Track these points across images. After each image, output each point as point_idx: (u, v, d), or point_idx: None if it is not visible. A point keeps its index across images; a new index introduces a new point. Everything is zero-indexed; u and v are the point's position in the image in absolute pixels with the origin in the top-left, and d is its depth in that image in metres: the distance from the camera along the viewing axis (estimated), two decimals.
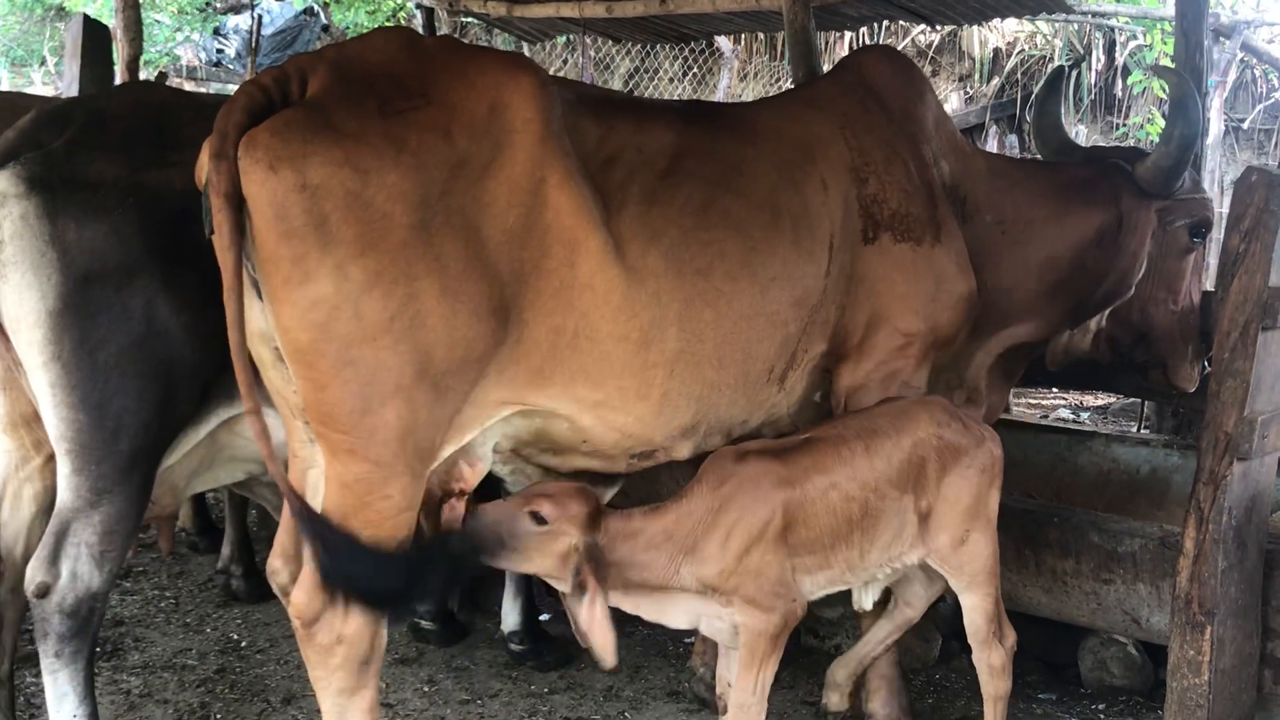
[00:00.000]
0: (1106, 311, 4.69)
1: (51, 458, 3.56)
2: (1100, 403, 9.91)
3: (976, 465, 3.65)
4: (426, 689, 4.72)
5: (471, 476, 3.42)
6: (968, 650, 3.88)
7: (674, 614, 3.56)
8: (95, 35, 6.92)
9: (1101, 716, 4.65)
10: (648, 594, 3.48)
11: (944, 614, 5.00)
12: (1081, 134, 12.89)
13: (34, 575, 3.37)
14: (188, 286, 3.02)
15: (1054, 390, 10.06)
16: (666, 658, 5.04)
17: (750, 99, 13.76)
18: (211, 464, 3.87)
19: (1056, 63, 13.28)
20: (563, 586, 3.39)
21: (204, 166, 2.98)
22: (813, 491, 3.48)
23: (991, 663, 3.76)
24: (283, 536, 3.44)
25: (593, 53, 14.56)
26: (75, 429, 3.31)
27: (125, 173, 3.36)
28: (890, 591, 4.00)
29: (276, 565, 3.45)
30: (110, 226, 3.30)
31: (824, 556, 3.53)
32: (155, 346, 3.35)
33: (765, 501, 3.43)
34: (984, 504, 3.66)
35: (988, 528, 3.67)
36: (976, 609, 3.73)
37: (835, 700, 4.17)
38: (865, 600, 3.79)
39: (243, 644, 5.08)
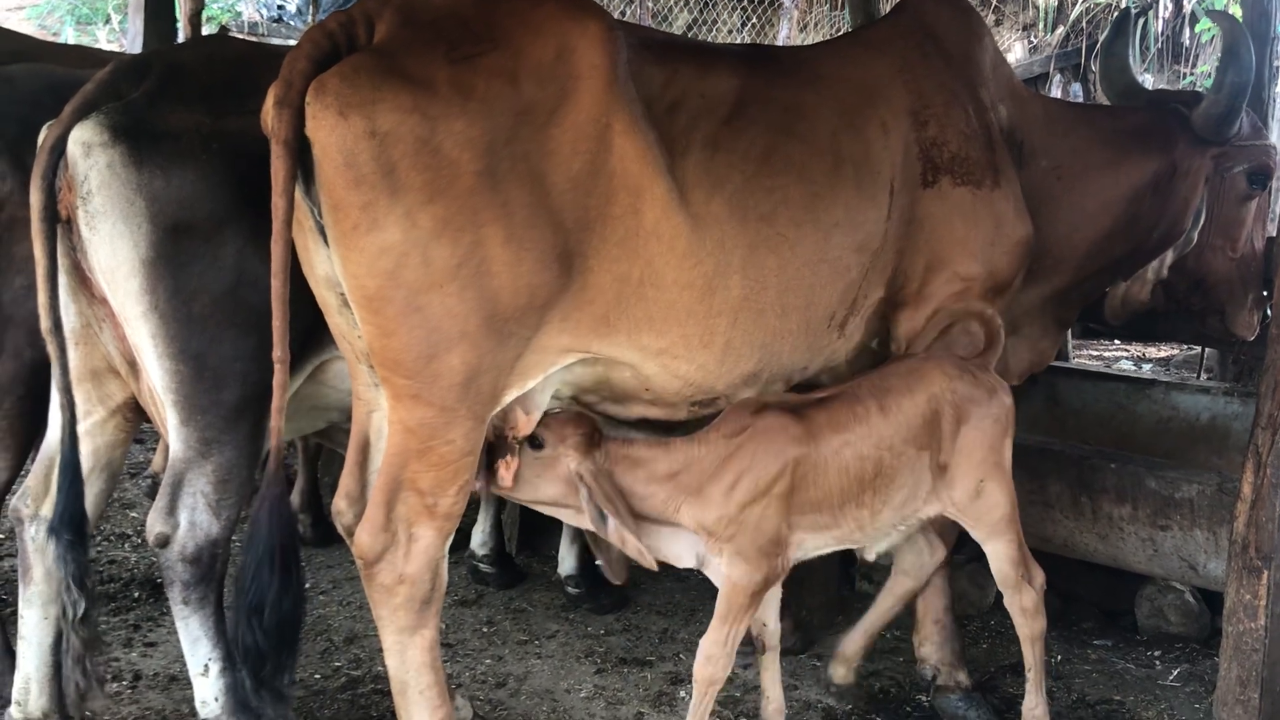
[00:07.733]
0: (1167, 261, 4.65)
1: (113, 414, 3.62)
2: (1163, 354, 9.82)
3: (990, 416, 3.66)
4: (485, 630, 4.81)
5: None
6: None
7: (674, 550, 3.57)
8: None
9: (1158, 663, 4.66)
10: (648, 526, 3.50)
11: None
12: (1148, 83, 12.63)
13: (153, 526, 3.40)
14: None
15: (1116, 342, 9.98)
16: None
17: None
18: (294, 414, 3.78)
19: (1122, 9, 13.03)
20: (583, 520, 3.44)
21: (269, 113, 3.00)
22: (826, 450, 3.49)
23: (1023, 604, 3.78)
24: (347, 479, 3.48)
25: (650, 4, 14.46)
26: (178, 380, 3.32)
27: (207, 121, 3.34)
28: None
29: (341, 506, 3.48)
30: (196, 174, 3.29)
31: (833, 515, 3.54)
32: (249, 295, 3.32)
33: (777, 457, 3.44)
34: (998, 454, 3.68)
35: (1003, 477, 3.69)
36: (1000, 556, 3.75)
37: (841, 674, 4.18)
38: (869, 553, 3.80)
39: (306, 585, 5.16)
